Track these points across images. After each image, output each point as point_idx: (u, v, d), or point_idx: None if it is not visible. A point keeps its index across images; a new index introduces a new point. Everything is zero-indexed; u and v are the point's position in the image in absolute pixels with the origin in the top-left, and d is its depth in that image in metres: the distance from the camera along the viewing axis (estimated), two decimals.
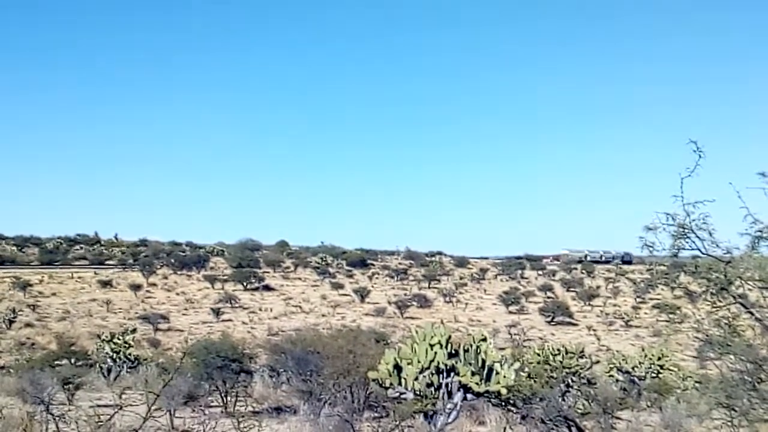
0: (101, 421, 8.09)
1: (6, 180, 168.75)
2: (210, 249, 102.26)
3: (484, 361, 14.09)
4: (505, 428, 15.10)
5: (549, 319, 65.71)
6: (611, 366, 28.16)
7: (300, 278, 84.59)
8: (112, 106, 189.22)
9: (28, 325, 53.07)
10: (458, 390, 14.04)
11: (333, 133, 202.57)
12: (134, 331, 37.26)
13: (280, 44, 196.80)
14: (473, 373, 13.83)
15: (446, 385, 14.07)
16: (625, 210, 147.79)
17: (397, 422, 13.31)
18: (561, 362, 22.39)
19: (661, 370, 26.22)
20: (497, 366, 14.01)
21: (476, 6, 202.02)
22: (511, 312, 68.88)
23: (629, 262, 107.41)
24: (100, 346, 30.06)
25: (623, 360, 28.13)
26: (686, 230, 7.97)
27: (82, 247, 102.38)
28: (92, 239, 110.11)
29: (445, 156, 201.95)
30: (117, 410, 8.14)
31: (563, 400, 16.62)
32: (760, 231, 7.78)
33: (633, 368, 26.91)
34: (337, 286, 76.94)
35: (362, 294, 71.50)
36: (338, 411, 15.72)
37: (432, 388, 14.13)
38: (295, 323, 55.81)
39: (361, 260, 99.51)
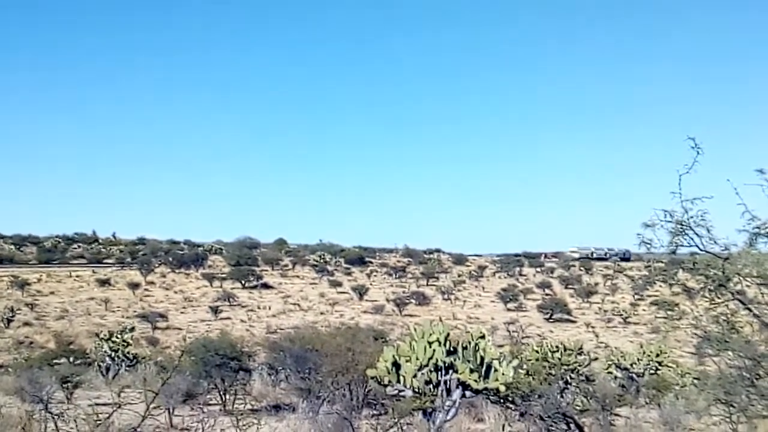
0: (100, 420, 8.09)
1: (4, 179, 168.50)
2: (208, 247, 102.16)
3: (482, 359, 14.07)
4: (503, 425, 15.11)
5: (547, 316, 65.76)
6: (610, 363, 28.17)
7: (298, 276, 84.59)
8: (110, 105, 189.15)
9: (27, 323, 53.00)
10: (457, 387, 14.03)
11: (331, 131, 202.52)
12: (133, 329, 37.16)
13: (273, 41, 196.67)
14: (472, 371, 13.82)
15: (445, 382, 14.06)
16: (625, 207, 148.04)
17: (396, 420, 13.31)
18: (559, 359, 22.39)
19: (660, 367, 26.24)
20: (496, 363, 14.00)
21: (476, 6, 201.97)
22: (509, 309, 68.95)
23: (627, 259, 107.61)
24: (98, 344, 30.01)
25: (622, 357, 28.14)
26: (684, 227, 7.98)
27: (80, 246, 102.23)
28: (90, 238, 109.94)
29: (443, 154, 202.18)
30: (116, 409, 8.14)
31: (562, 397, 16.62)
32: (758, 228, 7.79)
33: (631, 365, 26.93)
34: (336, 284, 76.96)
35: (361, 292, 71.47)
36: (337, 409, 15.72)
37: (431, 386, 14.11)
38: (294, 321, 55.87)
39: (360, 258, 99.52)
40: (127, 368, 27.93)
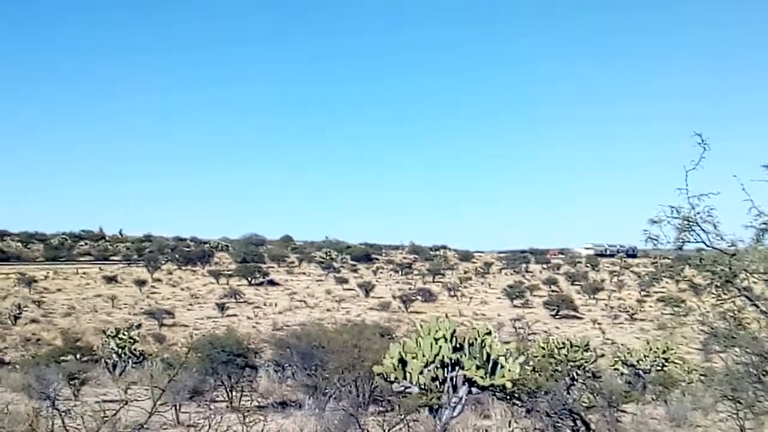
0: (107, 417, 8.10)
1: (11, 177, 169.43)
2: (214, 244, 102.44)
3: (488, 355, 14.08)
4: (510, 422, 15.09)
5: (554, 312, 65.67)
6: (616, 359, 28.13)
7: (304, 273, 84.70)
8: (116, 103, 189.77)
9: (34, 321, 53.18)
10: (463, 384, 14.04)
11: (337, 128, 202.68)
12: (139, 326, 37.38)
13: (282, 40, 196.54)
14: (478, 367, 13.83)
15: (451, 378, 14.07)
16: (631, 203, 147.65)
17: (402, 416, 13.29)
18: (566, 356, 22.40)
19: (666, 363, 26.18)
20: (502, 360, 14.00)
21: (478, 4, 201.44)
22: (515, 306, 68.88)
23: (634, 256, 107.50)
24: (105, 341, 30.14)
25: (628, 353, 28.10)
26: (691, 223, 7.94)
27: (86, 243, 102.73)
28: (97, 235, 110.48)
29: (449, 151, 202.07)
30: (122, 405, 8.15)
31: (568, 393, 16.59)
32: (765, 223, 7.75)
33: (638, 361, 26.88)
34: (342, 281, 77.04)
35: (367, 288, 71.56)
36: (343, 405, 15.72)
37: (437, 382, 14.13)
38: (300, 318, 55.91)
39: (366, 255, 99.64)
40: (134, 365, 28.04)
